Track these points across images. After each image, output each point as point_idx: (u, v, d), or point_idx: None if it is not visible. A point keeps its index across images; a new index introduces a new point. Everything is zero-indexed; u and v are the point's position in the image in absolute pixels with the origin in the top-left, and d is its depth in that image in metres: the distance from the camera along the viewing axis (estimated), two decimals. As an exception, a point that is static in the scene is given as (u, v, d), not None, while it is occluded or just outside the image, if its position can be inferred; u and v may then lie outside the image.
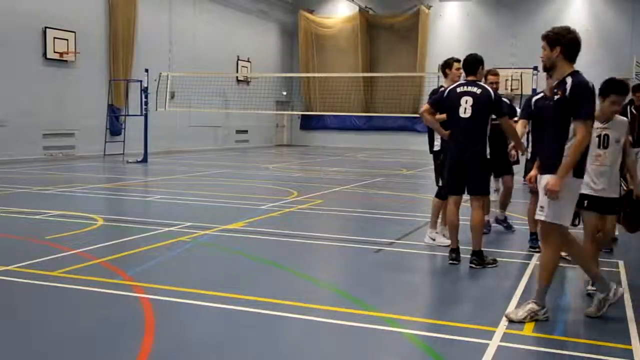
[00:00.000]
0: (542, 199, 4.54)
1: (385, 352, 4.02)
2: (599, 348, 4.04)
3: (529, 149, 6.49)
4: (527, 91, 16.38)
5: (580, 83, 4.38)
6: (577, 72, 4.46)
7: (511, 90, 22.90)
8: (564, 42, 4.42)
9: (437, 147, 7.11)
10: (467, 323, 4.44)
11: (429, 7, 29.28)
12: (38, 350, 3.87)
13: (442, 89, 6.65)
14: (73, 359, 3.77)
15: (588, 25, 26.01)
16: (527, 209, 7.08)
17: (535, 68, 14.36)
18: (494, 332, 4.24)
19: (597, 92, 5.82)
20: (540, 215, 4.54)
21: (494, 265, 6.15)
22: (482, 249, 6.22)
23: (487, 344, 4.01)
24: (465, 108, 6.14)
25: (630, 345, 4.10)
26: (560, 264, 6.28)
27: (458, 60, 7.08)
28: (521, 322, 4.44)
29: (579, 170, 4.47)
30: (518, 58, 26.35)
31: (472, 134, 6.15)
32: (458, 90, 6.25)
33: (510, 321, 4.46)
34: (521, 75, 24.36)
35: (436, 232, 7.22)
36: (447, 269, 6.16)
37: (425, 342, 4.09)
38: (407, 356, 4.00)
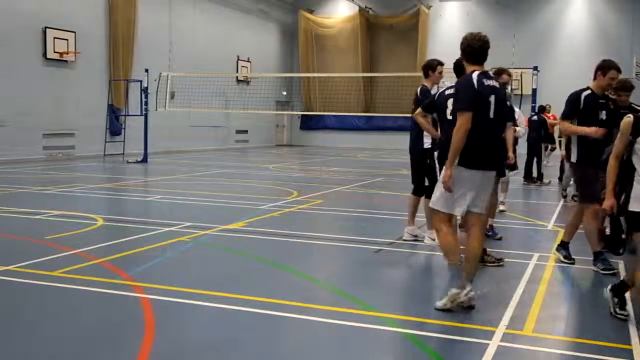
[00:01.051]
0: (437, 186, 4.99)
1: (385, 352, 4.02)
2: (599, 348, 4.04)
3: (575, 149, 6.19)
4: (527, 91, 16.35)
5: (461, 80, 4.92)
6: (473, 71, 4.82)
7: (511, 90, 22.89)
8: (461, 49, 4.95)
9: (427, 145, 7.02)
10: (467, 323, 4.44)
11: (429, 7, 29.29)
12: (38, 350, 3.87)
13: (434, 91, 6.69)
14: (73, 359, 3.77)
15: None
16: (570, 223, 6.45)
17: (535, 68, 14.37)
18: (494, 332, 4.24)
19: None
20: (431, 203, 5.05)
21: (499, 264, 6.15)
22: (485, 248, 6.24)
23: (487, 344, 4.01)
24: (450, 110, 6.16)
25: (630, 345, 4.10)
26: (561, 263, 6.30)
27: (442, 64, 7.14)
28: (445, 309, 4.65)
29: (464, 159, 4.74)
30: (518, 58, 26.35)
31: None
32: (446, 92, 6.28)
33: (437, 309, 4.68)
34: (521, 75, 24.31)
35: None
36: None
37: (425, 342, 4.09)
38: (407, 356, 4.00)
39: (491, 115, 4.81)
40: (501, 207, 9.21)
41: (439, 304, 4.72)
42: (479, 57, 4.88)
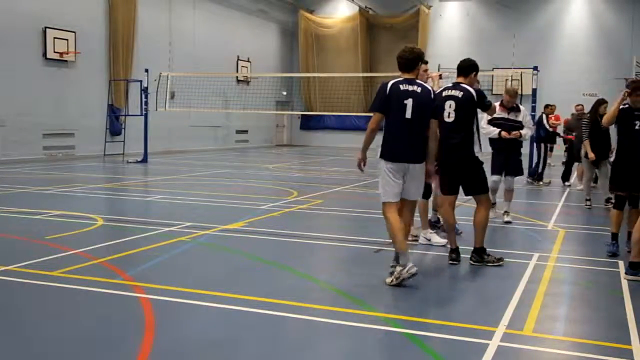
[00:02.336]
0: None
1: (386, 352, 4.02)
2: (599, 348, 4.04)
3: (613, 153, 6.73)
4: (527, 91, 16.35)
5: (380, 85, 5.64)
6: (393, 79, 5.62)
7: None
8: (397, 59, 5.73)
9: None
10: (467, 323, 4.44)
11: (429, 7, 29.29)
12: (38, 350, 3.87)
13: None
14: (73, 359, 3.77)
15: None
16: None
17: (535, 68, 14.37)
18: (494, 332, 4.24)
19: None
20: None
21: (499, 264, 6.15)
22: (485, 248, 6.25)
23: (487, 344, 4.01)
24: (449, 112, 6.16)
25: (631, 345, 4.10)
26: (561, 264, 6.29)
27: (425, 62, 7.13)
28: (394, 285, 5.28)
29: (385, 153, 5.55)
30: (518, 58, 26.34)
31: (456, 138, 6.15)
32: (443, 94, 6.26)
33: (389, 285, 5.32)
34: (521, 75, 24.30)
35: (431, 232, 7.22)
36: (446, 269, 6.16)
37: (425, 342, 4.09)
38: (407, 356, 4.00)
39: (408, 115, 5.47)
40: (506, 218, 8.66)
41: (388, 280, 5.39)
42: (408, 67, 5.65)
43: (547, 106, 14.76)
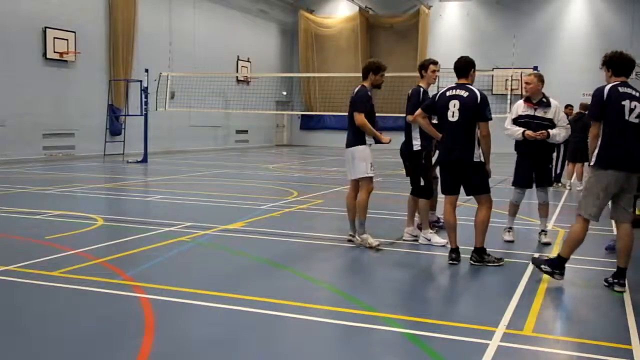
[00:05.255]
0: None
1: (385, 352, 4.02)
2: (599, 348, 4.04)
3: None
4: (527, 91, 16.38)
5: (361, 90, 6.96)
6: (366, 85, 7.02)
7: (511, 90, 22.86)
8: (370, 68, 7.02)
9: (417, 147, 7.08)
10: (467, 323, 4.44)
11: (429, 7, 29.29)
12: (38, 350, 3.87)
13: (436, 92, 6.66)
14: (73, 359, 3.77)
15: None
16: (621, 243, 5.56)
17: (535, 68, 14.34)
18: (494, 332, 4.24)
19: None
20: None
21: (499, 264, 6.15)
22: (485, 248, 6.25)
23: (487, 344, 4.01)
24: (453, 112, 6.15)
25: (631, 345, 4.10)
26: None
27: (435, 62, 7.24)
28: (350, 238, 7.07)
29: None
30: (518, 58, 26.34)
31: (459, 138, 6.15)
32: (447, 94, 6.25)
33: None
34: (521, 75, 24.31)
35: (431, 232, 7.22)
36: (447, 269, 6.17)
37: (425, 342, 4.09)
38: (407, 356, 4.00)
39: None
40: (543, 239, 7.37)
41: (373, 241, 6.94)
42: (368, 73, 6.95)
43: (567, 106, 14.76)
